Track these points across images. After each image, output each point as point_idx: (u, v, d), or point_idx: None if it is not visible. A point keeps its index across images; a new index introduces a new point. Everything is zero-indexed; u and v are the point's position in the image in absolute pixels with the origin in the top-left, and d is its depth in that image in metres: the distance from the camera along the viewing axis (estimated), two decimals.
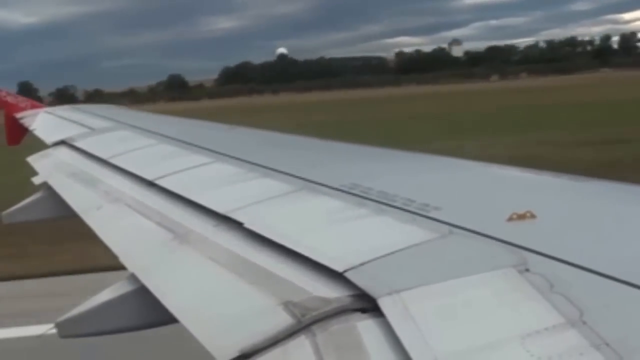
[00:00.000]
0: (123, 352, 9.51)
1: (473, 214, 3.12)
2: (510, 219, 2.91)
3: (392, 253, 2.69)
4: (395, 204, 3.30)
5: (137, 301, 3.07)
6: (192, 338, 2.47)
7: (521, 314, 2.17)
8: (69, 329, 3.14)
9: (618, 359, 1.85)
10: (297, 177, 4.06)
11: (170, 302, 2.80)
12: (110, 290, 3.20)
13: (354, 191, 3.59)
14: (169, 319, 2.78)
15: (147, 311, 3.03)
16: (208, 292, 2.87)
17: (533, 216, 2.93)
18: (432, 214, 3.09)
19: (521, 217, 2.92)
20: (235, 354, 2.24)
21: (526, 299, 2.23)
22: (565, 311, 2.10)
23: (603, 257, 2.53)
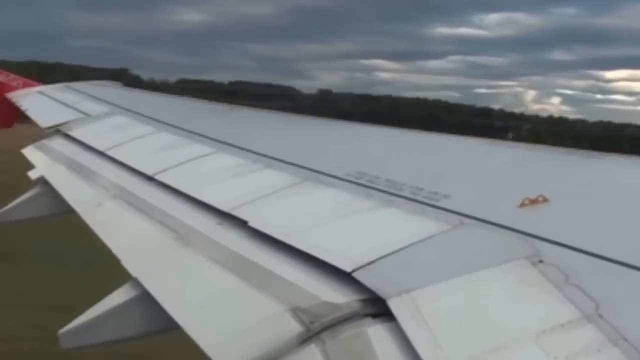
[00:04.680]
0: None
1: (483, 201, 3.02)
2: (522, 204, 2.83)
3: (401, 249, 2.61)
4: (403, 193, 3.21)
5: (141, 308, 3.00)
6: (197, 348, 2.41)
7: (536, 310, 2.10)
8: (72, 341, 3.07)
9: (637, 355, 1.78)
10: (301, 167, 3.96)
11: (175, 310, 2.73)
12: (114, 296, 3.12)
13: (360, 181, 3.50)
14: (173, 326, 2.71)
15: (151, 319, 2.96)
16: (214, 298, 2.80)
17: (545, 200, 2.84)
18: (441, 204, 3.00)
19: (533, 202, 2.83)
20: None
21: (540, 292, 2.16)
22: (580, 305, 2.03)
23: (619, 243, 2.45)
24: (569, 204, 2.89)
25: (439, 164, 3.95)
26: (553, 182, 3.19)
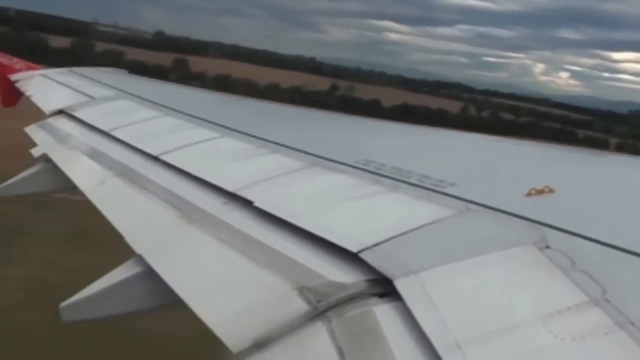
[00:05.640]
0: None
1: (490, 189, 3.03)
2: (528, 194, 2.84)
3: (408, 232, 2.61)
4: (409, 180, 3.21)
5: (144, 284, 2.99)
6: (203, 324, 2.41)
7: (543, 293, 2.11)
8: (73, 314, 3.07)
9: None
10: (308, 153, 3.95)
11: (180, 287, 2.73)
12: (116, 272, 3.11)
13: (367, 167, 3.50)
14: (177, 302, 2.71)
15: (154, 295, 2.95)
16: (220, 276, 2.79)
17: (551, 191, 2.85)
18: (447, 190, 3.00)
19: (539, 192, 2.84)
20: (249, 343, 2.17)
21: (547, 277, 2.17)
22: (587, 289, 2.04)
23: (625, 232, 2.47)
24: (574, 194, 2.91)
25: (446, 155, 3.96)
26: (559, 176, 3.20)
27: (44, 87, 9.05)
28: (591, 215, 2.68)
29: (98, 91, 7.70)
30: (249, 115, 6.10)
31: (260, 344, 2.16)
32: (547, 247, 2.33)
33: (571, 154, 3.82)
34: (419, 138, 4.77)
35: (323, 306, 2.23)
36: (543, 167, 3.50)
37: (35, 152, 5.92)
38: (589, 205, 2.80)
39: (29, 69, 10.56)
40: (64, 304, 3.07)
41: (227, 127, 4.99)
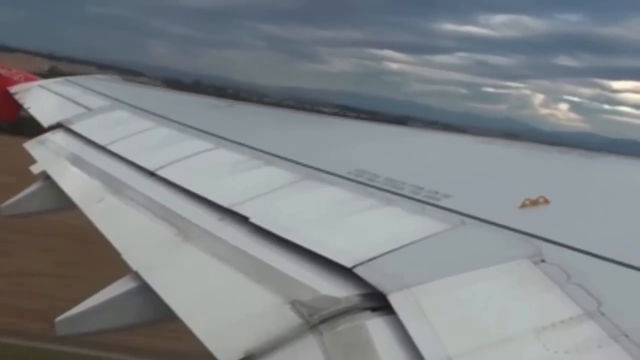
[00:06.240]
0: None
1: (484, 201, 3.01)
2: (522, 205, 2.82)
3: (402, 247, 2.60)
4: (403, 192, 3.20)
5: (139, 299, 2.99)
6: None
7: (537, 306, 2.10)
8: (69, 327, 3.07)
9: (638, 351, 1.78)
10: (301, 164, 3.95)
11: (173, 300, 2.72)
12: (112, 288, 3.11)
13: (360, 179, 3.49)
14: (171, 316, 2.70)
15: (149, 309, 2.95)
16: (213, 290, 2.79)
17: (546, 201, 2.83)
18: (442, 203, 2.99)
19: (534, 202, 2.83)
20: (240, 355, 2.17)
21: (542, 291, 2.16)
22: (582, 302, 2.03)
23: (621, 244, 2.45)
24: (569, 205, 2.88)
25: (438, 162, 3.93)
26: (554, 182, 3.18)
27: (41, 98, 9.10)
28: (587, 227, 2.67)
29: (94, 101, 7.75)
30: (243, 122, 6.08)
31: (251, 357, 2.16)
32: (543, 260, 2.32)
33: (566, 156, 3.75)
34: (412, 142, 4.71)
35: (315, 320, 2.22)
36: (537, 173, 3.47)
37: (35, 169, 5.94)
38: (585, 216, 2.78)
39: (27, 80, 10.60)
40: (59, 317, 3.08)
41: (221, 137, 4.99)
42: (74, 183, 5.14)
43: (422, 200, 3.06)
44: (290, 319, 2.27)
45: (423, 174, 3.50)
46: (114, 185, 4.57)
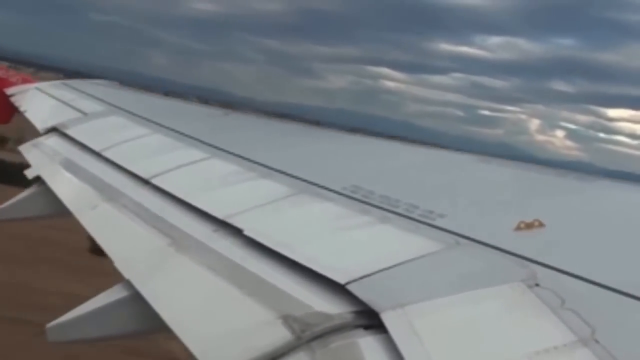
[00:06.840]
0: None
1: (479, 222, 3.02)
2: (517, 228, 2.82)
3: (396, 265, 2.59)
4: (398, 210, 3.20)
5: (130, 309, 2.97)
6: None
7: (530, 331, 2.09)
8: (59, 334, 3.05)
9: None
10: (296, 177, 3.95)
11: (165, 312, 2.71)
12: (103, 296, 3.10)
13: (355, 195, 3.49)
14: (162, 328, 2.68)
15: (140, 319, 2.94)
16: (205, 303, 2.78)
17: (541, 225, 2.83)
18: (437, 222, 2.99)
19: (529, 226, 2.83)
20: None
21: (536, 315, 2.15)
22: (576, 329, 2.02)
23: (616, 270, 2.45)
24: (565, 229, 2.88)
25: (435, 181, 3.93)
26: (550, 206, 3.18)
27: (37, 101, 9.07)
28: (582, 251, 2.67)
29: (89, 106, 7.72)
30: (238, 133, 6.06)
31: None
32: (537, 284, 2.32)
33: (563, 179, 3.75)
34: (408, 159, 4.68)
35: (307, 336, 2.21)
36: (534, 195, 3.46)
37: (29, 173, 5.91)
38: (580, 241, 2.79)
39: (24, 82, 10.59)
40: (50, 324, 3.06)
41: (216, 147, 4.98)
42: (67, 189, 5.10)
43: (417, 219, 3.06)
44: (282, 334, 2.26)
45: (419, 192, 3.50)
46: (107, 192, 4.55)
